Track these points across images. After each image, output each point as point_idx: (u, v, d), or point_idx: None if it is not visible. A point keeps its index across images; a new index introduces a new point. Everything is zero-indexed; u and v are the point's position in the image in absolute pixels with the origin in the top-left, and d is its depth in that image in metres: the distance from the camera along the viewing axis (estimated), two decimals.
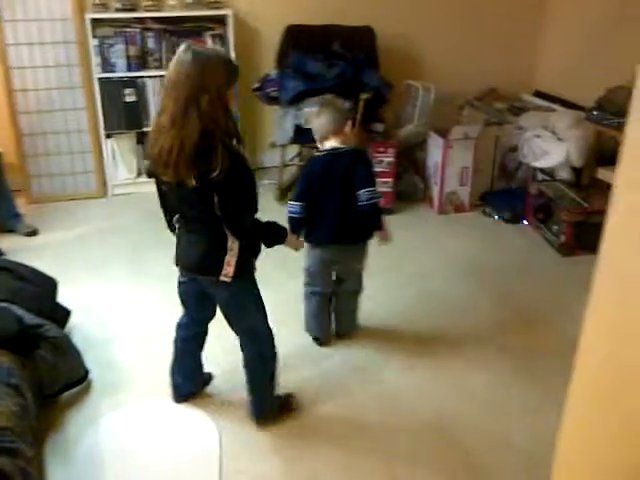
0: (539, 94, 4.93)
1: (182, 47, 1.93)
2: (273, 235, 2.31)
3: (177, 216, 2.23)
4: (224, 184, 1.93)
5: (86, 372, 2.57)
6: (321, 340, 2.87)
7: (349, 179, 2.57)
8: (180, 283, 2.35)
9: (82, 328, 2.93)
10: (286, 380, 2.51)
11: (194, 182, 1.93)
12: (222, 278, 2.10)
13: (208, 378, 2.62)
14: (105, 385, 2.59)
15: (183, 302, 2.41)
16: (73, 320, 2.87)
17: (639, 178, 1.22)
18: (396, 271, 3.47)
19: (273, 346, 2.33)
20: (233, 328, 2.30)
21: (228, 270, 2.09)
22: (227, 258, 2.09)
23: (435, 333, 2.95)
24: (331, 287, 2.81)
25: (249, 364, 2.34)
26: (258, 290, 2.26)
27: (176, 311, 3.06)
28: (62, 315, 2.80)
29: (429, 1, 4.78)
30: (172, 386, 2.51)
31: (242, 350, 2.33)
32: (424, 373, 2.67)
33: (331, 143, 2.61)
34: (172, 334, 2.89)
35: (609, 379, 1.35)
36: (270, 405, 2.41)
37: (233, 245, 2.09)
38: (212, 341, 2.52)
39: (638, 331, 1.25)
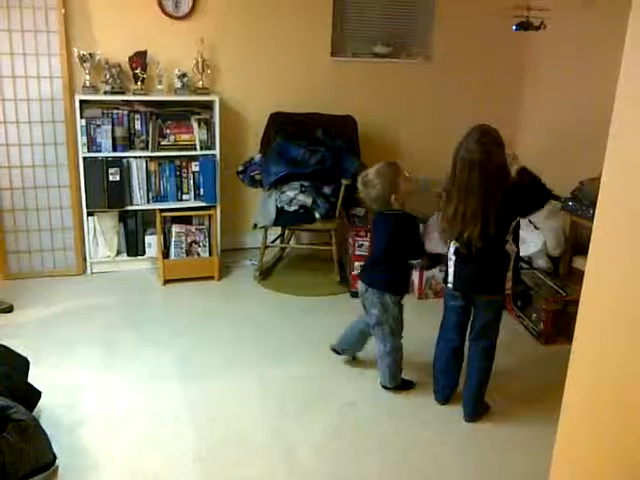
0: None
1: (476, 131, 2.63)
2: None
3: (455, 249, 2.76)
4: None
5: (53, 458, 2.46)
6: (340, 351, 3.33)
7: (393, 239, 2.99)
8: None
9: (51, 410, 2.83)
10: None
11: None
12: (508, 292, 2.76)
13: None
14: (72, 472, 2.48)
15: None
16: (42, 402, 2.77)
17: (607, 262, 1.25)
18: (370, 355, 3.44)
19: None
20: (477, 342, 2.85)
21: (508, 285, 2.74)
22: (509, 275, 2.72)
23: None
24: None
25: (478, 375, 2.86)
26: None
27: (145, 393, 3.02)
28: (32, 396, 2.71)
29: (409, 93, 4.98)
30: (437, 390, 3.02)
31: (473, 361, 2.88)
32: None
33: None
34: (142, 417, 2.84)
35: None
36: (481, 408, 2.93)
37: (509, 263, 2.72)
38: None
39: (613, 416, 1.24)
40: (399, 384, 3.13)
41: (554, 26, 4.79)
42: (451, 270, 2.80)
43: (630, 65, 1.17)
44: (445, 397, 3.01)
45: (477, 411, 2.92)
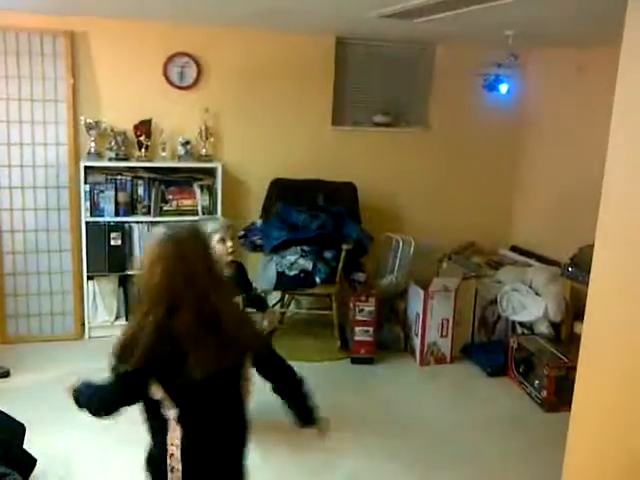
0: (515, 249, 5.11)
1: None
2: None
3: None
4: None
5: None
6: None
7: None
8: None
9: (46, 478, 2.76)
10: None
11: None
12: None
13: None
14: None
15: None
16: (37, 469, 2.70)
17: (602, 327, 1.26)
18: (374, 425, 3.38)
19: None
20: None
21: None
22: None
23: None
24: None
25: None
26: None
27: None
28: (27, 463, 2.65)
29: (409, 161, 5.06)
30: None
31: None
32: None
33: None
34: None
35: None
36: None
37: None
38: None
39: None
40: None
41: (550, 94, 4.93)
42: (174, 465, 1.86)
43: (617, 132, 1.21)
44: None
45: None
